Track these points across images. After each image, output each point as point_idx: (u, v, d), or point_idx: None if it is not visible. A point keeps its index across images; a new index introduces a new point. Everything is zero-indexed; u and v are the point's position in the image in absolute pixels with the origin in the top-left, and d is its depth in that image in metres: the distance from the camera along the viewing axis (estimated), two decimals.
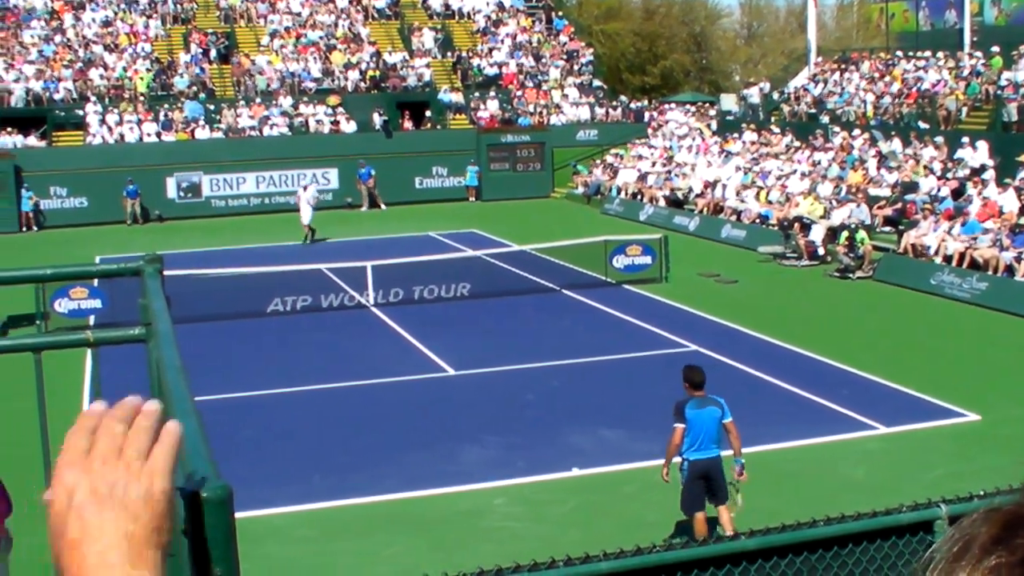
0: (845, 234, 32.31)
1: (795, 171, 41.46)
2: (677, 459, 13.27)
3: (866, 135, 42.51)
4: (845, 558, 5.23)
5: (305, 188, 43.74)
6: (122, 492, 1.49)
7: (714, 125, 55.64)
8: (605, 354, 23.67)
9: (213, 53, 58.35)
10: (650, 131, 57.90)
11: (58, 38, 57.47)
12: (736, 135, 50.32)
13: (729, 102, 58.78)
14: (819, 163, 41.56)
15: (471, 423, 19.08)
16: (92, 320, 26.71)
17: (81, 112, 53.27)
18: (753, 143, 48.09)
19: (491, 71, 60.36)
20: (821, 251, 33.67)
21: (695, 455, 13.06)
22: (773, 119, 51.49)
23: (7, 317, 27.47)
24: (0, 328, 26.58)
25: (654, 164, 50.21)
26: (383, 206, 51.57)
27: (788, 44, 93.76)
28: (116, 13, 60.03)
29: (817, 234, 34.28)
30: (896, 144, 39.95)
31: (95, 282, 27.18)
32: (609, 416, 19.17)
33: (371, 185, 51.84)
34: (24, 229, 47.53)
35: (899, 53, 51.16)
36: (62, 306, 27.31)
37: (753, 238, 37.39)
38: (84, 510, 1.49)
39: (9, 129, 51.37)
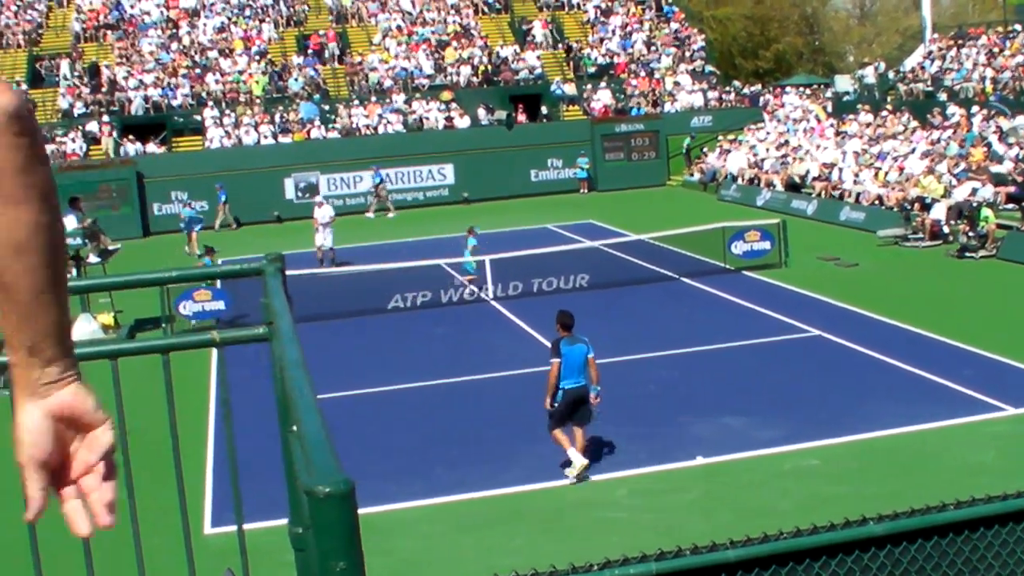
0: (966, 213, 31.79)
1: (913, 150, 40.83)
2: None
3: (984, 112, 41.70)
4: (976, 542, 5.14)
5: (320, 205, 37.27)
6: None
7: (829, 107, 54.91)
8: (726, 341, 23.51)
9: (326, 54, 58.95)
10: (765, 115, 57.28)
11: (175, 45, 58.47)
12: (852, 116, 49.63)
13: (844, 83, 57.92)
14: (938, 142, 40.87)
15: None
16: (216, 322, 27.08)
17: (199, 117, 54.15)
18: (869, 124, 47.42)
19: (603, 61, 60.27)
20: (946, 229, 33.10)
21: (568, 384, 15.92)
22: (889, 99, 50.69)
23: (134, 320, 28.01)
24: (128, 331, 27.06)
25: (769, 149, 49.77)
26: (391, 213, 49.85)
27: (902, 22, 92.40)
28: (230, 19, 60.93)
29: (939, 212, 33.73)
30: (1020, 120, 39.13)
31: (218, 284, 27.56)
32: (732, 404, 19.04)
33: (379, 190, 50.47)
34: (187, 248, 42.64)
35: (1017, 27, 50.06)
36: (187, 309, 27.43)
37: (872, 220, 36.86)
38: None
39: (130, 136, 52.36)
